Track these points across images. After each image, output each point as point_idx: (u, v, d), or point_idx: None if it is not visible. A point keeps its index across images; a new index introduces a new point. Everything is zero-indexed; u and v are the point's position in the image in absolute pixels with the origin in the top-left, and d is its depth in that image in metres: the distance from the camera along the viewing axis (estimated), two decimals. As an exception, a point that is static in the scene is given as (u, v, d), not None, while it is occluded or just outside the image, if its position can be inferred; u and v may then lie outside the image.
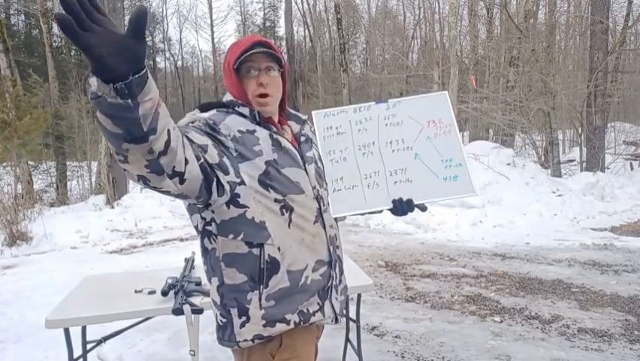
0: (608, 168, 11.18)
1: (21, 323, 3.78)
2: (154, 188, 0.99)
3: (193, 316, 1.94)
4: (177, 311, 1.93)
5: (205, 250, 1.28)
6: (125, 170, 0.95)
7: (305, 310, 1.28)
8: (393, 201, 1.28)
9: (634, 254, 5.44)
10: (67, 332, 2.09)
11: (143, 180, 0.96)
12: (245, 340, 1.23)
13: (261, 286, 1.21)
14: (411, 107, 1.39)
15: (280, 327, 1.23)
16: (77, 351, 2.24)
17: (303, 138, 1.40)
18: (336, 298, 1.37)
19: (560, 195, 8.21)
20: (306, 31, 30.39)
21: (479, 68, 18.41)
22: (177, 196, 1.05)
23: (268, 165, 1.23)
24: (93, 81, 0.80)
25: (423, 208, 1.28)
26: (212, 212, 1.21)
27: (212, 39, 35.61)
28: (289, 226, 1.26)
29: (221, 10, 68.81)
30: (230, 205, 1.19)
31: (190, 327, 1.88)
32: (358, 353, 2.64)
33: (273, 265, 1.22)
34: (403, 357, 3.06)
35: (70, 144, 12.97)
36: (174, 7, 59.94)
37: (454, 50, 13.66)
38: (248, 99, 1.31)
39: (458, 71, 13.37)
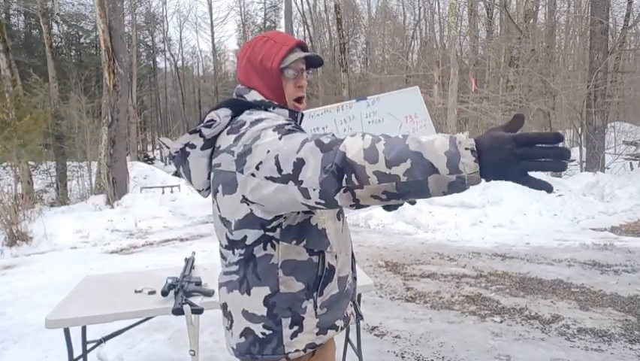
0: (608, 168, 11.18)
1: (21, 323, 3.78)
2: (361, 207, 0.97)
3: (193, 316, 1.93)
4: (177, 311, 1.93)
5: (249, 259, 1.15)
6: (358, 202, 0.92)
7: (346, 315, 1.28)
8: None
9: (634, 254, 5.44)
10: (67, 332, 2.09)
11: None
12: (296, 350, 1.16)
13: (315, 294, 1.17)
14: (389, 104, 1.43)
15: (330, 333, 1.21)
16: (77, 351, 2.24)
17: None
18: (355, 296, 1.39)
19: (560, 195, 8.21)
20: (306, 31, 30.37)
21: (479, 68, 18.40)
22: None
23: None
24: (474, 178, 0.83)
25: (411, 202, 1.18)
26: (285, 218, 1.12)
27: (212, 39, 35.62)
28: (342, 231, 1.25)
29: (221, 10, 68.87)
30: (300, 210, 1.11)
31: (190, 327, 1.88)
32: (358, 353, 2.64)
33: (330, 273, 1.19)
34: (403, 357, 3.06)
35: (70, 144, 12.98)
36: (174, 7, 60.02)
37: (454, 50, 13.65)
38: (284, 101, 1.24)
39: (458, 71, 13.36)
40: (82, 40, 26.84)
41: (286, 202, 1.01)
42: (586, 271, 4.87)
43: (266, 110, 1.21)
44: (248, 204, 1.10)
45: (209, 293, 2.15)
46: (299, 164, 0.95)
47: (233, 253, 1.17)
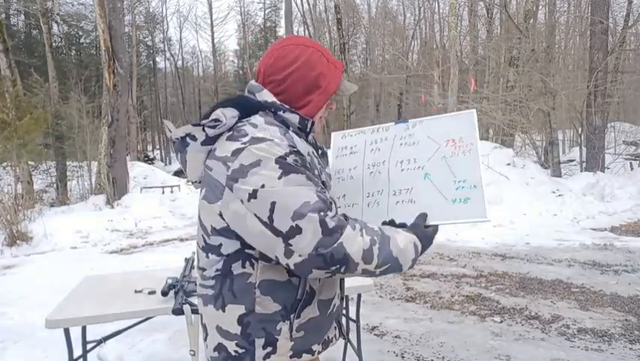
0: (608, 168, 11.18)
1: (21, 323, 3.78)
2: None
3: (193, 316, 1.93)
4: (177, 311, 1.93)
5: (226, 275, 1.12)
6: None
7: (327, 338, 1.24)
8: (383, 222, 1.24)
9: (634, 254, 5.44)
10: (67, 332, 2.09)
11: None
12: None
13: (292, 316, 1.13)
14: (432, 127, 1.31)
15: (305, 358, 1.17)
16: (77, 351, 2.24)
17: (320, 151, 1.29)
18: (340, 315, 1.34)
19: (560, 195, 8.21)
20: (306, 31, 30.36)
21: (479, 68, 18.40)
22: None
23: None
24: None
25: None
26: None
27: (213, 39, 35.61)
28: None
29: (221, 11, 68.90)
30: None
31: (190, 327, 1.88)
32: (358, 353, 2.64)
33: (310, 296, 1.15)
34: (403, 357, 3.06)
35: (71, 144, 12.98)
36: (174, 7, 60.03)
37: (454, 50, 13.65)
38: (312, 115, 1.19)
39: (458, 71, 13.37)
40: (82, 40, 26.84)
41: (263, 245, 1.04)
42: (586, 271, 4.87)
43: (275, 113, 1.16)
44: (224, 219, 1.08)
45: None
46: (295, 230, 0.99)
47: (207, 256, 1.14)
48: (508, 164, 9.24)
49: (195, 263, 1.26)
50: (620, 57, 13.38)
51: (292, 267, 1.02)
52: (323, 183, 1.15)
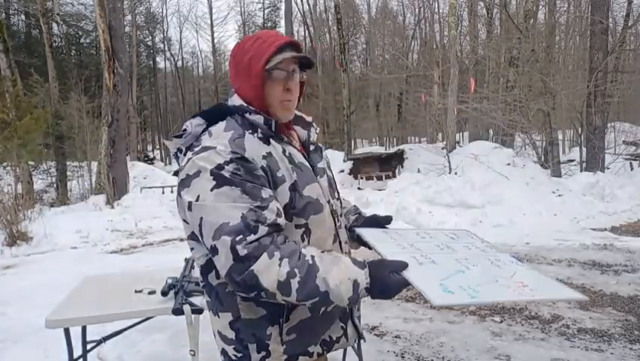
0: (608, 168, 11.19)
1: (21, 323, 3.77)
2: None
3: (193, 316, 1.93)
4: (177, 311, 1.93)
5: (210, 287, 1.15)
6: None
7: (328, 339, 1.20)
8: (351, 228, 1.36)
9: (634, 254, 5.44)
10: (67, 332, 2.09)
11: None
12: None
13: (281, 320, 1.12)
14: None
15: (302, 360, 1.17)
16: (77, 351, 2.24)
17: (312, 147, 1.27)
18: (357, 316, 1.30)
19: (559, 195, 8.21)
20: (306, 31, 30.37)
21: (479, 68, 18.41)
22: None
23: (291, 192, 1.11)
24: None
25: None
26: None
27: (213, 39, 35.64)
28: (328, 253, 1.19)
29: (222, 11, 68.89)
30: None
31: (190, 327, 1.88)
32: (358, 353, 2.64)
33: None
34: (403, 357, 3.06)
35: (71, 144, 13.00)
36: (174, 7, 60.01)
37: (454, 50, 13.66)
38: (263, 104, 1.16)
39: (458, 71, 13.37)
40: (82, 40, 26.86)
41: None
42: (586, 271, 4.87)
43: (242, 115, 1.15)
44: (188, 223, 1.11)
45: (209, 295, 2.15)
46: (214, 250, 1.01)
47: (202, 277, 1.19)
48: (508, 164, 9.25)
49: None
50: (620, 57, 13.38)
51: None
52: (280, 187, 1.10)
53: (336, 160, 15.69)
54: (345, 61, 19.75)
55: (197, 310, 1.96)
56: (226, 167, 1.04)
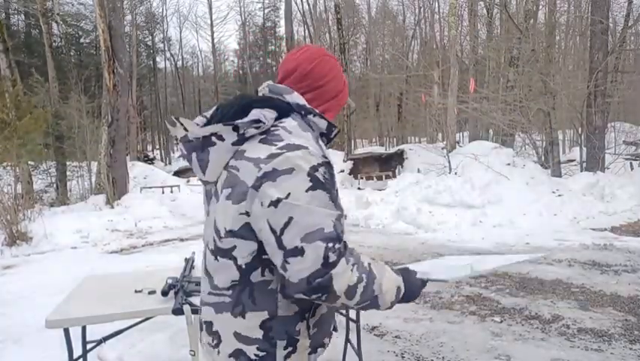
0: (608, 168, 11.17)
1: (21, 323, 3.78)
2: None
3: (193, 316, 1.93)
4: (177, 311, 1.93)
5: (245, 284, 1.11)
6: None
7: (332, 331, 1.28)
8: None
9: (634, 254, 5.44)
10: (67, 332, 2.09)
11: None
12: None
13: (308, 315, 1.15)
14: None
15: (319, 352, 1.21)
16: (77, 351, 2.24)
17: None
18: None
19: (559, 195, 8.21)
20: (306, 31, 30.36)
21: (479, 68, 18.42)
22: None
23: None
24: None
25: None
26: None
27: (212, 39, 35.64)
28: None
29: (221, 10, 68.84)
30: None
31: (190, 327, 1.88)
32: (358, 353, 2.64)
33: None
34: (403, 357, 3.06)
35: (71, 144, 12.99)
36: (174, 7, 59.97)
37: (454, 50, 13.67)
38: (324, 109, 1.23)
39: (458, 71, 13.38)
40: (82, 40, 26.86)
41: (268, 248, 1.04)
42: (586, 271, 4.87)
43: (304, 116, 1.16)
44: (248, 219, 1.07)
45: (209, 293, 2.15)
46: (298, 251, 0.99)
47: (217, 259, 1.13)
48: (508, 164, 9.24)
49: (201, 265, 1.23)
50: (620, 57, 13.40)
51: (284, 281, 1.04)
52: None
53: (336, 160, 15.70)
54: (345, 61, 19.74)
55: (197, 311, 1.96)
56: (319, 169, 1.04)
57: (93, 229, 7.92)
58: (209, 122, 1.15)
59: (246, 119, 1.07)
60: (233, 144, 1.08)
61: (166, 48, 36.72)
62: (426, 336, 3.38)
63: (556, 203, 7.96)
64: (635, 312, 3.69)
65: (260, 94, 1.21)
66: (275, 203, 1.00)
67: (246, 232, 1.07)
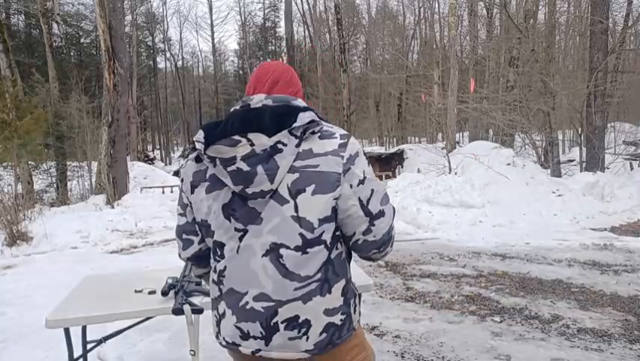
0: (608, 168, 11.18)
1: (21, 323, 3.78)
2: None
3: (193, 316, 1.93)
4: (177, 311, 1.93)
5: (328, 261, 1.23)
6: None
7: None
8: None
9: (634, 254, 5.44)
10: (67, 332, 2.09)
11: None
12: (358, 321, 1.35)
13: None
14: None
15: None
16: (77, 351, 2.24)
17: None
18: None
19: (559, 195, 8.21)
20: (306, 31, 30.37)
21: (479, 68, 18.42)
22: None
23: None
24: None
25: None
26: None
27: (213, 39, 35.67)
28: None
29: (222, 11, 68.89)
30: None
31: (190, 327, 1.88)
32: (358, 353, 2.64)
33: None
34: (403, 357, 3.06)
35: (71, 144, 12.99)
36: (174, 7, 60.00)
37: (454, 50, 13.67)
38: None
39: (458, 71, 13.37)
40: (82, 40, 26.87)
41: (350, 224, 1.24)
42: (586, 271, 4.87)
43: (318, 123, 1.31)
44: (336, 204, 1.22)
45: (209, 293, 2.15)
46: (380, 214, 1.25)
47: (306, 252, 1.20)
48: (508, 164, 9.24)
49: (264, 276, 1.23)
50: (620, 57, 13.40)
51: (361, 242, 1.26)
52: None
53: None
54: (345, 61, 19.74)
55: (197, 311, 1.96)
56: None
57: (93, 229, 7.92)
58: (223, 136, 1.18)
59: (300, 123, 1.19)
60: (297, 145, 1.19)
61: (166, 48, 36.75)
62: (426, 336, 3.38)
63: (556, 203, 7.95)
64: (634, 312, 3.69)
65: (259, 105, 1.25)
66: (362, 181, 1.22)
67: (332, 213, 1.22)
